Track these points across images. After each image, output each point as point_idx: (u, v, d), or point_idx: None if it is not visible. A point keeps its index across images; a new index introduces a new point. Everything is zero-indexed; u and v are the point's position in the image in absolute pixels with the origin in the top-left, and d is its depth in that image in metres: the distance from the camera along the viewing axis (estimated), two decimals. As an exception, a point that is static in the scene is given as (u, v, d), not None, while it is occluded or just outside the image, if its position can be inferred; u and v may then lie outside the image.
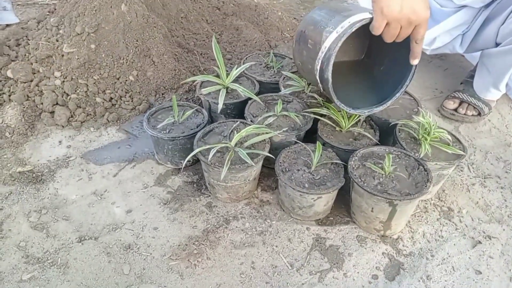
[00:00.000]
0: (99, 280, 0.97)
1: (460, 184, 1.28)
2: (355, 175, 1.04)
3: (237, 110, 1.31)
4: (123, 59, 1.50)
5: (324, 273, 1.01)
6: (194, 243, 1.06)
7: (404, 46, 1.02)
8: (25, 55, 1.53)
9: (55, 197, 1.17)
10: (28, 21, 1.74)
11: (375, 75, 1.25)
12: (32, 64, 1.49)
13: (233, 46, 1.88)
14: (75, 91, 1.46)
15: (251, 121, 1.21)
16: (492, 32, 1.38)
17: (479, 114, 1.52)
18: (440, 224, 1.15)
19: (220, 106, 1.23)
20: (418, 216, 1.16)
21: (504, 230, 1.14)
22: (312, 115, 1.22)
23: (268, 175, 1.27)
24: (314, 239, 1.09)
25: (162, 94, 1.54)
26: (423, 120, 1.13)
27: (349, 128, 1.20)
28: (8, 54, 1.55)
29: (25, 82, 1.46)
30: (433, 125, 1.12)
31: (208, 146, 1.08)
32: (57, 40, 1.51)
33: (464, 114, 1.53)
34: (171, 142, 1.19)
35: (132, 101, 1.50)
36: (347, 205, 1.17)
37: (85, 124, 1.43)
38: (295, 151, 1.16)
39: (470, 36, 1.47)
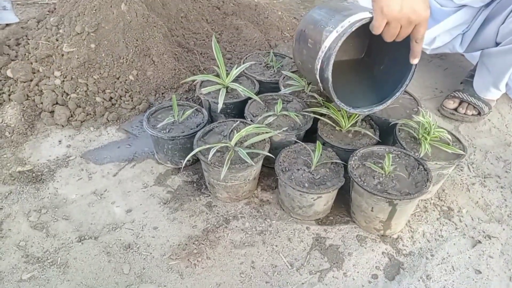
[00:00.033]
0: (99, 280, 0.97)
1: (460, 184, 1.28)
2: (355, 174, 1.04)
3: (237, 110, 1.31)
4: (123, 58, 1.50)
5: (324, 273, 1.01)
6: (194, 243, 1.06)
7: (404, 45, 1.02)
8: (25, 54, 1.53)
9: (55, 196, 1.17)
10: (28, 20, 1.74)
11: (375, 74, 1.25)
12: (32, 63, 1.49)
13: (233, 46, 1.88)
14: (75, 90, 1.46)
15: (251, 120, 1.21)
16: (492, 31, 1.38)
17: (479, 113, 1.52)
18: (440, 223, 1.15)
19: (220, 105, 1.23)
20: (418, 216, 1.16)
21: (504, 229, 1.14)
22: (312, 115, 1.22)
23: (268, 174, 1.27)
24: (314, 238, 1.09)
25: (162, 93, 1.54)
26: (423, 119, 1.13)
27: (349, 127, 1.20)
28: (8, 54, 1.55)
29: (25, 82, 1.46)
30: (433, 124, 1.12)
31: (208, 146, 1.08)
32: (57, 40, 1.51)
33: (464, 113, 1.53)
34: (171, 141, 1.19)
35: (132, 100, 1.50)
36: (347, 204, 1.17)
37: (85, 123, 1.43)
38: (295, 150, 1.16)
39: (470, 35, 1.47)
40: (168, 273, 0.99)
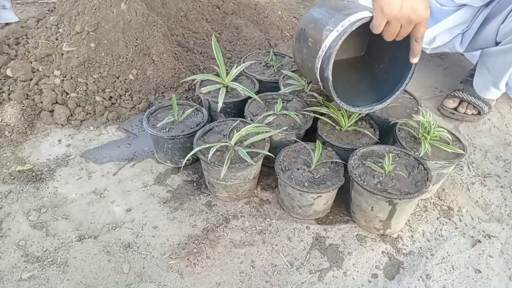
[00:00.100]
0: (99, 279, 0.97)
1: (460, 183, 1.28)
2: (355, 174, 1.03)
3: (237, 109, 1.31)
4: (123, 58, 1.50)
5: (324, 272, 1.01)
6: (193, 242, 1.06)
7: (404, 44, 1.02)
8: (25, 53, 1.53)
9: (55, 196, 1.17)
10: (28, 19, 1.74)
11: (375, 73, 1.24)
12: (31, 62, 1.49)
13: (233, 45, 1.88)
14: (75, 90, 1.45)
15: (250, 120, 1.21)
16: (492, 31, 1.38)
17: (479, 113, 1.52)
18: (440, 223, 1.15)
19: (220, 105, 1.23)
20: (417, 215, 1.16)
21: (503, 229, 1.14)
22: (312, 114, 1.22)
23: (268, 174, 1.27)
24: (314, 238, 1.09)
25: (162, 93, 1.54)
26: (423, 119, 1.13)
27: (349, 127, 1.20)
28: (7, 53, 1.54)
29: (24, 81, 1.45)
30: (433, 124, 1.12)
31: (208, 145, 1.08)
32: (56, 39, 1.51)
33: (464, 113, 1.53)
34: (170, 141, 1.19)
35: (131, 100, 1.50)
36: (347, 204, 1.17)
37: (84, 123, 1.43)
38: (295, 150, 1.16)
39: (470, 35, 1.47)
40: (168, 273, 0.99)
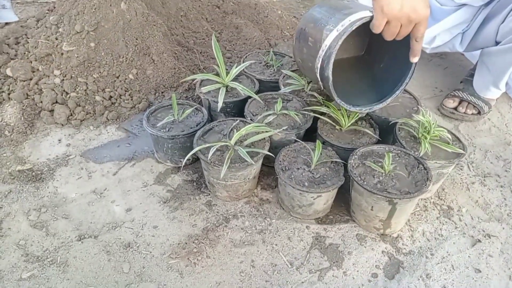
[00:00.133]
0: (99, 279, 0.97)
1: (460, 183, 1.28)
2: (355, 173, 1.03)
3: (237, 109, 1.31)
4: (123, 57, 1.50)
5: (324, 272, 1.01)
6: (193, 242, 1.06)
7: (404, 44, 1.02)
8: (25, 53, 1.53)
9: (55, 195, 1.17)
10: (28, 19, 1.73)
11: (375, 73, 1.25)
12: (31, 62, 1.48)
13: (233, 45, 1.88)
14: (75, 89, 1.45)
15: (250, 119, 1.21)
16: (492, 30, 1.38)
17: (479, 112, 1.52)
18: (440, 222, 1.15)
19: (219, 104, 1.23)
20: (417, 215, 1.16)
21: (503, 228, 1.14)
22: (312, 114, 1.22)
23: (268, 173, 1.27)
24: (314, 237, 1.09)
25: (162, 92, 1.54)
26: (423, 118, 1.13)
27: (349, 126, 1.20)
28: (7, 53, 1.54)
29: (24, 81, 1.45)
30: (433, 123, 1.12)
31: (207, 145, 1.08)
32: (56, 39, 1.50)
33: (464, 112, 1.53)
34: (170, 140, 1.19)
35: (131, 99, 1.50)
36: (346, 203, 1.17)
37: (84, 122, 1.43)
38: (295, 149, 1.16)
39: (470, 34, 1.47)
40: (168, 272, 0.99)
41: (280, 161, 1.11)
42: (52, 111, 1.42)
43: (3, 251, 1.02)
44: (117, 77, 1.50)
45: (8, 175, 1.21)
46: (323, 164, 1.10)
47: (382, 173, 1.04)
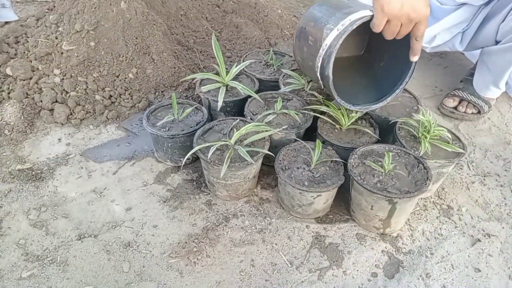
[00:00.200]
0: (99, 278, 0.97)
1: (460, 182, 1.28)
2: (354, 173, 1.03)
3: (237, 108, 1.31)
4: (123, 56, 1.50)
5: (324, 271, 1.01)
6: (193, 241, 1.06)
7: (404, 43, 1.02)
8: (24, 52, 1.53)
9: (55, 194, 1.17)
10: (27, 18, 1.73)
11: (375, 71, 1.24)
12: (31, 61, 1.48)
13: (233, 44, 1.88)
14: (75, 88, 1.45)
15: (250, 119, 1.21)
16: (492, 29, 1.38)
17: (479, 112, 1.52)
18: (440, 222, 1.15)
19: (219, 104, 1.23)
20: (417, 214, 1.16)
21: (503, 228, 1.14)
22: (312, 113, 1.22)
23: (267, 173, 1.27)
24: (314, 237, 1.09)
25: (162, 91, 1.54)
26: (423, 118, 1.13)
27: (349, 126, 1.20)
28: (7, 52, 1.54)
29: (24, 80, 1.45)
30: (433, 123, 1.12)
31: (207, 144, 1.08)
32: (56, 38, 1.50)
33: (464, 112, 1.53)
34: (170, 140, 1.19)
35: (131, 98, 1.50)
36: (346, 203, 1.17)
37: (84, 121, 1.43)
38: (295, 149, 1.16)
39: (470, 34, 1.47)
40: (168, 271, 0.99)
41: (280, 160, 1.10)
42: (52, 110, 1.42)
43: (3, 250, 1.02)
44: (117, 76, 1.50)
45: (8, 174, 1.21)
46: (323, 164, 1.10)
47: (382, 172, 1.04)
